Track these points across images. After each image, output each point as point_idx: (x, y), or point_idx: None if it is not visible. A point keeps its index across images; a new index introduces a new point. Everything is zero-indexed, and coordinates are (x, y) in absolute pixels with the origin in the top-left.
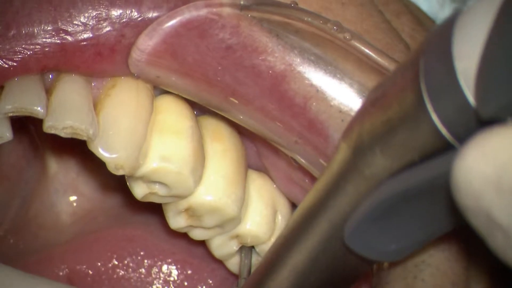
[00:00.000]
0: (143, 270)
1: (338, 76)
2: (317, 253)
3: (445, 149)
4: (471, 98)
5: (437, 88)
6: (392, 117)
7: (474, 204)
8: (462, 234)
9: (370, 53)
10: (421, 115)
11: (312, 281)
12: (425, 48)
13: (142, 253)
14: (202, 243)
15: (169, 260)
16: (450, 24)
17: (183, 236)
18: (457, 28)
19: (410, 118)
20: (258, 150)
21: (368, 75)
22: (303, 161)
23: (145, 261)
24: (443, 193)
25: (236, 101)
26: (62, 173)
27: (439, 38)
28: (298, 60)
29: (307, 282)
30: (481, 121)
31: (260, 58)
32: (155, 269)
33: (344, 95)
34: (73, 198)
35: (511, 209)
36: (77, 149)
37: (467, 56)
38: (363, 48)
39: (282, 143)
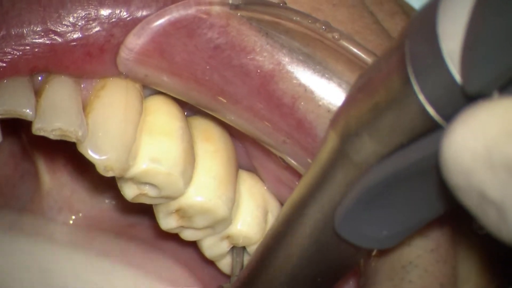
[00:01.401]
0: None
1: (326, 76)
2: (309, 244)
3: (434, 130)
4: (457, 76)
5: (423, 69)
6: (379, 102)
7: (465, 182)
8: (450, 234)
9: (359, 53)
10: (408, 97)
11: (305, 273)
12: (410, 30)
13: None
14: (212, 282)
15: None
16: (434, 4)
17: (185, 265)
18: (441, 8)
19: (397, 101)
20: (247, 151)
21: (357, 75)
22: (292, 161)
23: None
24: (433, 175)
25: (224, 101)
26: (56, 189)
27: (423, 19)
28: (287, 59)
29: (300, 275)
30: (468, 98)
31: (248, 57)
32: None
33: (332, 95)
34: (68, 216)
35: (503, 183)
36: (71, 164)
37: (452, 35)
38: (352, 48)
39: (271, 143)
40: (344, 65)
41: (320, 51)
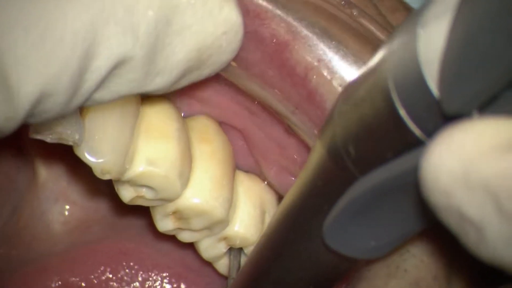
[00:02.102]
0: (137, 284)
1: (341, 52)
2: (299, 252)
3: (416, 145)
4: (437, 93)
5: (404, 85)
6: (364, 115)
7: (444, 201)
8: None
9: (377, 32)
10: (391, 112)
11: (296, 279)
12: (392, 44)
13: (136, 266)
14: (197, 257)
15: (164, 274)
16: (414, 20)
17: (178, 249)
18: (421, 24)
19: (381, 116)
20: (247, 142)
21: (373, 54)
22: (298, 130)
23: (139, 274)
24: (416, 187)
25: (235, 65)
26: (52, 180)
27: (404, 34)
28: (303, 31)
29: (291, 281)
30: (447, 117)
31: (264, 25)
32: (149, 283)
33: (346, 71)
34: (64, 206)
35: (481, 204)
36: (67, 156)
37: (432, 53)
38: (370, 26)
39: (280, 111)
40: (361, 43)
41: (337, 26)
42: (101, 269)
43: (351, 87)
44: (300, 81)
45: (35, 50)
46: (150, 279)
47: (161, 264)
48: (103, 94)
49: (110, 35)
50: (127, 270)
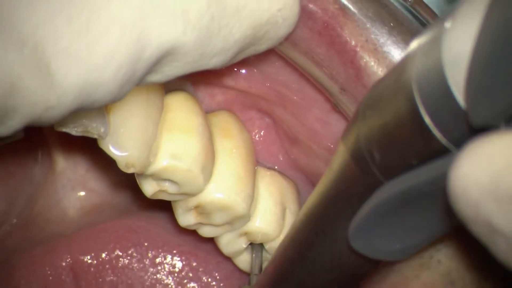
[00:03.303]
0: (147, 261)
1: (393, 38)
2: (323, 254)
3: (442, 152)
4: (463, 103)
5: (429, 93)
6: (388, 121)
7: (473, 213)
8: None
9: (431, 20)
10: (416, 119)
11: (320, 280)
12: (416, 52)
13: (146, 244)
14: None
15: (174, 252)
16: (440, 27)
17: (189, 229)
18: (447, 33)
19: (405, 123)
20: (275, 125)
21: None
22: (345, 109)
23: (149, 252)
24: (442, 195)
25: (284, 40)
26: (70, 169)
27: (429, 42)
28: (356, 14)
29: (315, 282)
30: (474, 128)
31: (314, 0)
32: (159, 260)
33: (395, 58)
34: (81, 193)
35: (510, 215)
36: (86, 145)
37: (457, 63)
38: (425, 14)
39: (326, 88)
40: (412, 32)
41: (390, 13)
42: (111, 246)
43: (375, 90)
44: (349, 60)
45: (78, 39)
46: (160, 256)
47: (171, 242)
48: (159, 78)
49: (160, 22)
50: (137, 247)
